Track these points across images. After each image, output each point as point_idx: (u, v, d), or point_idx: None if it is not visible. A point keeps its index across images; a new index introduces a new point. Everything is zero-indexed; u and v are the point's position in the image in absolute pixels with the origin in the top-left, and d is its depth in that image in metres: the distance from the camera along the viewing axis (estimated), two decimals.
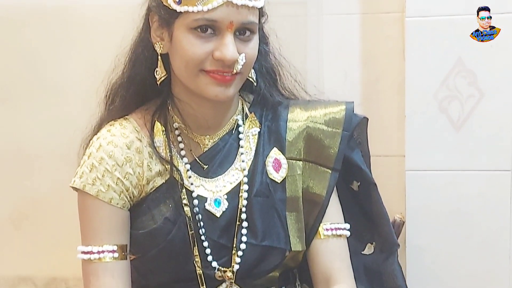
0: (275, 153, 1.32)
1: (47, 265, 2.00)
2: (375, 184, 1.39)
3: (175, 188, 1.25)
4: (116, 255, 1.22)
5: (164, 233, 1.23)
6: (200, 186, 1.27)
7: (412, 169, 1.61)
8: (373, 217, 1.42)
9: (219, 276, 1.26)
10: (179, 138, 1.29)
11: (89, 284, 1.23)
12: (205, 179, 1.28)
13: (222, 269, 1.26)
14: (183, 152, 1.28)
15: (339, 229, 1.32)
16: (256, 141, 1.32)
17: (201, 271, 1.25)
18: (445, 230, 1.64)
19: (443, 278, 1.67)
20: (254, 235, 1.26)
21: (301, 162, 1.32)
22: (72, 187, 1.26)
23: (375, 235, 1.44)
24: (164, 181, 1.26)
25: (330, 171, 1.32)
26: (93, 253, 1.22)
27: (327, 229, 1.32)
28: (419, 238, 1.67)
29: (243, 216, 1.27)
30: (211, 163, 1.29)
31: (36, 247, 1.97)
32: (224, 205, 1.27)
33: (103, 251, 1.22)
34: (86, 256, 1.22)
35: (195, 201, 1.26)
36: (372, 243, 1.46)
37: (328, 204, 1.32)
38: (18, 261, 2.02)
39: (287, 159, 1.32)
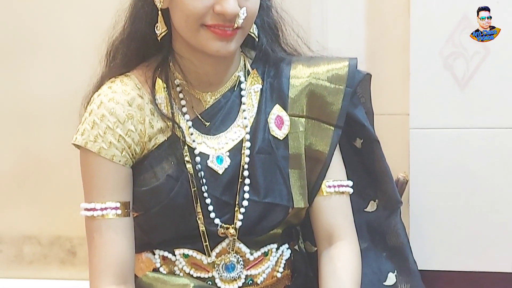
0: (277, 110, 1.31)
1: (52, 224, 2.02)
2: (378, 141, 1.39)
3: (177, 145, 1.25)
4: (119, 212, 1.22)
5: (167, 190, 1.23)
6: (202, 143, 1.27)
7: (416, 127, 1.60)
8: (376, 174, 1.42)
9: (222, 233, 1.26)
10: (181, 95, 1.28)
11: (93, 241, 1.23)
12: (207, 136, 1.28)
13: (224, 226, 1.26)
14: (184, 109, 1.28)
15: (342, 186, 1.32)
16: (258, 98, 1.31)
17: (203, 228, 1.25)
18: (449, 188, 1.64)
19: (447, 237, 1.67)
20: (256, 192, 1.26)
21: (303, 119, 1.32)
22: (74, 144, 1.25)
23: (378, 192, 1.44)
24: (166, 138, 1.26)
25: (333, 128, 1.31)
26: (96, 210, 1.22)
27: (329, 186, 1.31)
28: (422, 196, 1.67)
29: (245, 173, 1.26)
30: (213, 120, 1.28)
31: (40, 206, 1.98)
32: (226, 162, 1.27)
33: (106, 208, 1.22)
34: (89, 213, 1.22)
35: (197, 158, 1.25)
36: (375, 201, 1.46)
37: (330, 161, 1.31)
38: (22, 220, 2.03)
39: (289, 116, 1.31)
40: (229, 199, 1.27)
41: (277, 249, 1.33)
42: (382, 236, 1.48)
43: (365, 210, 1.47)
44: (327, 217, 1.32)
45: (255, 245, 1.30)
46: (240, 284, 1.30)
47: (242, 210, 1.26)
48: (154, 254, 1.31)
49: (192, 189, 1.24)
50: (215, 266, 1.28)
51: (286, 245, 1.36)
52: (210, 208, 1.25)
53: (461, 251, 1.67)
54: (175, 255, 1.29)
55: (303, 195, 1.30)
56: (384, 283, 1.48)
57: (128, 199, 1.24)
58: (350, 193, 1.34)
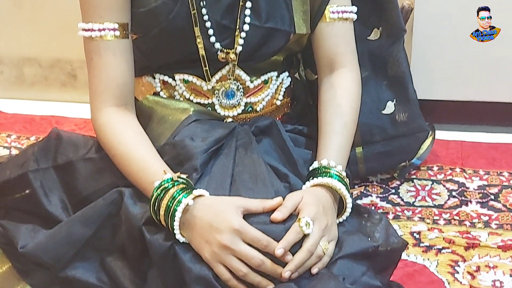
0: None
1: (52, 47, 2.01)
2: None
3: None
4: (117, 33, 1.20)
5: (166, 12, 1.20)
6: None
7: None
8: (381, 1, 1.38)
9: (222, 58, 1.25)
10: None
11: (92, 63, 1.22)
12: None
13: (225, 50, 1.24)
14: None
15: (346, 12, 1.29)
16: None
17: (203, 52, 1.24)
18: (454, 18, 1.61)
19: (448, 67, 1.68)
20: (257, 16, 1.23)
21: None
22: None
23: (382, 20, 1.41)
24: None
25: None
26: (94, 30, 1.19)
27: (333, 12, 1.28)
28: (426, 25, 1.65)
29: None
30: None
31: (39, 27, 1.96)
32: None
33: (104, 29, 1.19)
34: (87, 34, 1.20)
35: None
36: (378, 28, 1.43)
37: None
38: (22, 42, 2.02)
39: None
40: (230, 23, 1.24)
41: (277, 77, 1.33)
42: (384, 65, 1.48)
43: (368, 38, 1.45)
44: (329, 44, 1.30)
45: (255, 72, 1.29)
46: (240, 111, 1.31)
47: (243, 34, 1.24)
48: (154, 78, 1.30)
49: (192, 12, 1.21)
50: (215, 92, 1.28)
51: (287, 73, 1.35)
52: (210, 31, 1.23)
53: (461, 81, 1.68)
54: (175, 80, 1.28)
55: (305, 21, 1.28)
56: (383, 112, 1.49)
57: (126, 20, 1.21)
58: (354, 19, 1.31)
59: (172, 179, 1.10)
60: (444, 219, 1.45)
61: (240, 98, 1.30)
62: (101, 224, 1.15)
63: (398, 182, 1.58)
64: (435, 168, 1.62)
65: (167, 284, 1.08)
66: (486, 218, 1.45)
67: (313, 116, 1.32)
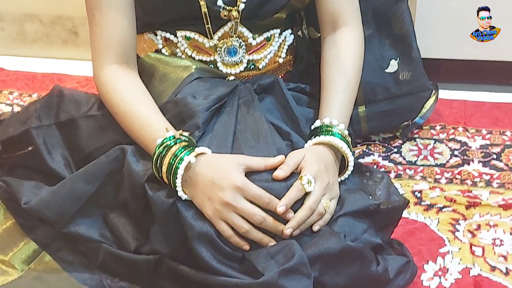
0: None
1: (53, 3, 1.99)
2: None
3: None
4: None
5: None
6: None
7: None
8: None
9: (224, 15, 1.24)
10: None
11: (93, 19, 1.22)
12: None
13: (227, 8, 1.23)
14: None
15: None
16: None
17: (206, 9, 1.23)
18: None
19: (452, 25, 1.66)
20: None
21: None
22: None
23: None
24: None
25: None
26: None
27: None
28: None
29: None
30: None
31: None
32: None
33: None
34: None
35: None
36: None
37: None
38: None
39: None
40: None
41: (280, 34, 1.32)
42: (387, 23, 1.46)
43: None
44: (332, 1, 1.29)
45: (257, 29, 1.29)
46: (242, 69, 1.30)
47: None
48: (156, 35, 1.29)
49: None
50: (217, 49, 1.27)
51: (289, 31, 1.34)
52: None
53: (465, 39, 1.66)
54: (177, 37, 1.27)
55: None
56: (386, 70, 1.49)
57: None
58: None
59: (174, 137, 1.10)
60: (446, 178, 1.46)
61: (243, 56, 1.29)
62: (104, 181, 1.16)
63: (400, 141, 1.58)
64: (438, 127, 1.62)
65: (170, 240, 1.09)
66: (488, 177, 1.46)
67: (316, 74, 1.32)
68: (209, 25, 1.25)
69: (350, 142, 1.19)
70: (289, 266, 1.01)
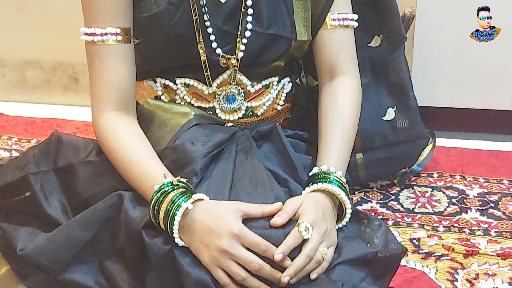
0: None
1: (54, 50, 2.01)
2: None
3: None
4: (119, 38, 1.21)
5: (168, 17, 1.21)
6: None
7: None
8: (382, 8, 1.39)
9: (223, 63, 1.25)
10: None
11: (94, 67, 1.23)
12: None
13: (226, 56, 1.25)
14: None
15: (347, 19, 1.30)
16: None
17: (205, 57, 1.24)
18: (455, 25, 1.62)
19: (448, 74, 1.68)
20: (259, 23, 1.24)
21: None
22: None
23: (383, 27, 1.42)
24: None
25: None
26: (96, 35, 1.20)
27: (334, 19, 1.29)
28: (427, 33, 1.65)
29: (249, 2, 1.23)
30: None
31: (42, 31, 1.97)
32: None
33: (106, 34, 1.20)
34: (89, 38, 1.21)
35: None
36: (379, 36, 1.44)
37: None
38: (24, 45, 2.02)
39: None
40: (231, 29, 1.24)
41: (278, 82, 1.33)
42: (384, 72, 1.48)
43: (368, 45, 1.45)
44: (330, 50, 1.30)
45: (256, 77, 1.30)
46: (240, 115, 1.31)
47: (244, 40, 1.24)
48: (155, 82, 1.30)
49: (194, 18, 1.21)
50: (216, 96, 1.28)
51: (288, 79, 1.36)
52: (212, 37, 1.23)
53: (461, 88, 1.68)
54: (176, 84, 1.29)
55: (306, 28, 1.28)
56: (383, 118, 1.50)
57: (128, 25, 1.22)
58: (355, 27, 1.31)
59: (172, 183, 1.10)
60: (444, 226, 1.46)
61: (241, 103, 1.30)
62: (101, 227, 1.16)
63: (398, 189, 1.58)
64: (435, 175, 1.62)
65: None
66: (486, 225, 1.45)
67: (314, 121, 1.33)
68: (208, 73, 1.26)
69: (347, 189, 1.19)
70: None
